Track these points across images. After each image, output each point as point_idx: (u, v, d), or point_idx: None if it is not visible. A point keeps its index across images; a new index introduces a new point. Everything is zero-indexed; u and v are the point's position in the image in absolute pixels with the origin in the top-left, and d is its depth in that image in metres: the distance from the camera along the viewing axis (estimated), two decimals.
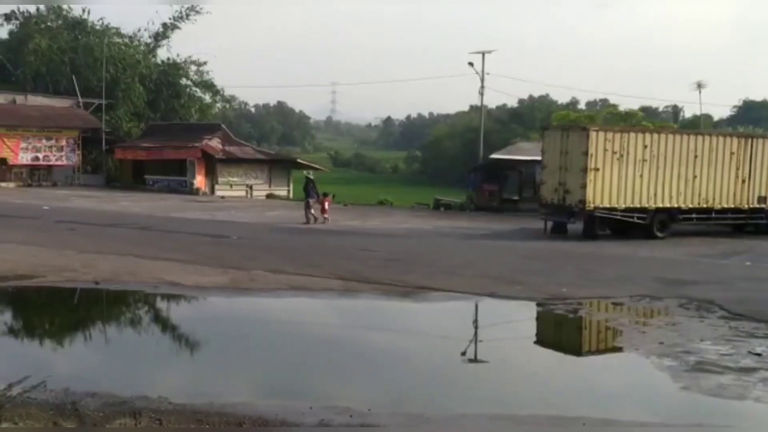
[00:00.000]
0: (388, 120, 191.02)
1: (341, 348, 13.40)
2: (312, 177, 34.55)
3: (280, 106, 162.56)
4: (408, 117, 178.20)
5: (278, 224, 30.12)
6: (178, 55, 60.12)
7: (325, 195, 33.67)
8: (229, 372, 11.62)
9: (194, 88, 60.52)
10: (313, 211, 31.58)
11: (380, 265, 20.36)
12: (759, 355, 12.45)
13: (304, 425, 8.66)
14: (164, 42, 60.57)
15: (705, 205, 29.33)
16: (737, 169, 29.82)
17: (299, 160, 55.68)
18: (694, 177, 28.94)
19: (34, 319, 16.04)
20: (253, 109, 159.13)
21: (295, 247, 22.08)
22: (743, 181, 29.96)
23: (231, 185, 47.01)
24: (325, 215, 31.64)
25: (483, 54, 50.07)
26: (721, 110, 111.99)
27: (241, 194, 46.33)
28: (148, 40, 60.68)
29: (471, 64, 49.67)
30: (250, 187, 47.72)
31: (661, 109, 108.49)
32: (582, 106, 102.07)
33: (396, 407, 9.72)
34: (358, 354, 13.05)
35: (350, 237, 26.39)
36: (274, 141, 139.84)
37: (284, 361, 12.34)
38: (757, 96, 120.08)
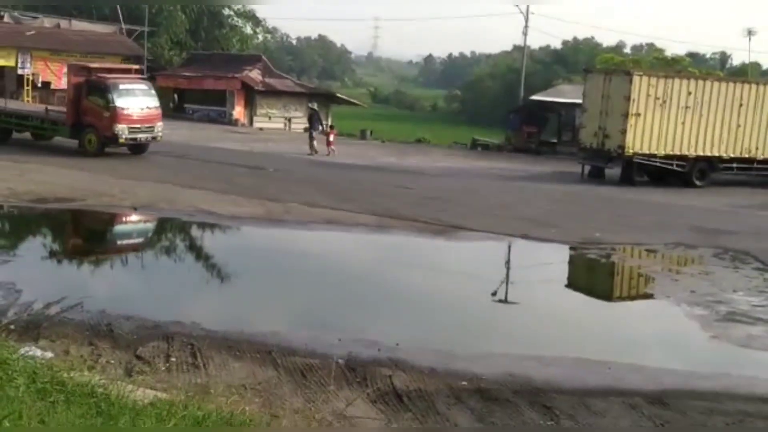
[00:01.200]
0: (429, 58, 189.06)
1: (372, 283, 13.53)
2: (316, 108, 34.73)
3: (322, 40, 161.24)
4: (449, 55, 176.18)
5: (314, 158, 30.16)
6: None
7: (332, 127, 33.93)
8: (260, 302, 11.82)
9: (236, 19, 60.21)
10: (316, 143, 31.77)
11: (415, 203, 20.38)
12: None
13: (332, 356, 8.80)
14: None
15: (747, 155, 28.82)
16: None
17: (339, 95, 55.44)
18: (738, 126, 28.38)
19: (73, 242, 16.37)
20: (294, 42, 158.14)
21: (331, 181, 22.15)
22: None
23: (270, 117, 46.98)
24: (332, 147, 31.76)
25: None
26: None
27: (279, 126, 46.32)
28: None
29: (516, 4, 48.89)
30: (289, 120, 47.66)
31: (708, 56, 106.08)
32: (627, 50, 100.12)
33: (424, 343, 9.83)
34: (388, 290, 13.17)
35: (387, 174, 26.38)
36: (315, 74, 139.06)
37: (315, 293, 12.49)
38: None
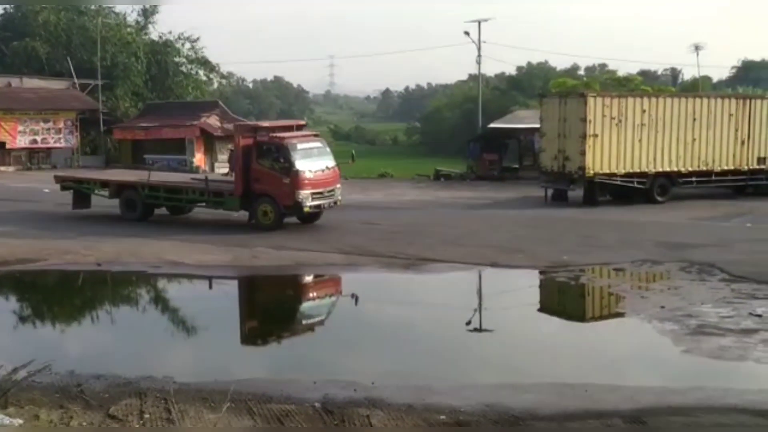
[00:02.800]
0: (387, 92, 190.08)
1: (345, 322, 13.48)
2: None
3: (278, 81, 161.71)
4: (406, 88, 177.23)
5: None
6: (170, 32, 59.68)
7: None
8: (233, 351, 11.71)
9: (189, 66, 60.15)
10: None
11: (383, 238, 20.39)
12: (759, 316, 12.51)
13: (308, 400, 8.72)
14: (155, 18, 60.10)
15: (705, 168, 29.23)
16: (736, 130, 29.67)
17: None
18: (693, 140, 28.82)
19: (38, 303, 16.12)
20: (251, 85, 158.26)
21: (296, 221, 22.06)
22: (742, 143, 29.83)
23: None
24: None
25: (479, 22, 49.81)
26: (720, 72, 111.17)
27: None
28: (138, 18, 60.30)
29: (467, 33, 49.39)
30: None
31: (660, 73, 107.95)
32: (581, 71, 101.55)
33: (400, 380, 9.79)
34: (362, 328, 13.13)
35: (352, 211, 26.32)
36: (273, 116, 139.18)
37: (288, 338, 12.44)
38: (757, 56, 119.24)
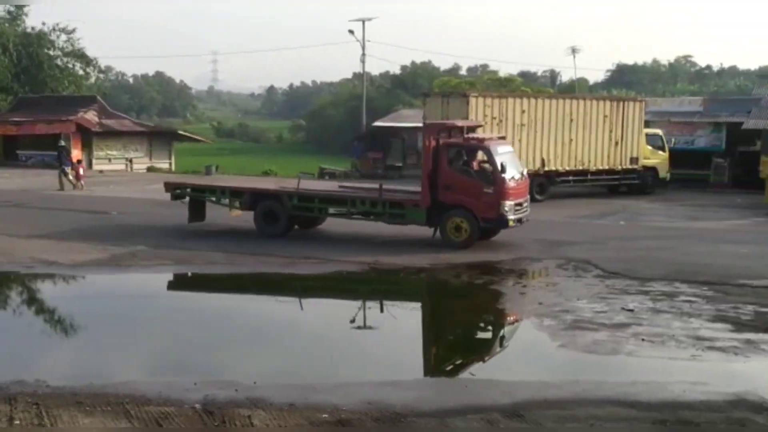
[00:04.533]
0: (271, 89, 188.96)
1: (226, 322, 13.26)
2: (64, 144, 34.40)
3: (160, 76, 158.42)
4: (291, 86, 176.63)
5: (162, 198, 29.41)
6: (43, 24, 57.39)
7: (79, 162, 34.35)
8: (110, 352, 11.36)
9: (64, 59, 58.05)
10: (71, 177, 32.03)
11: (266, 238, 20.17)
12: (631, 311, 13.00)
13: (188, 401, 8.56)
14: (27, 9, 57.62)
15: (581, 168, 30.25)
16: (610, 131, 30.81)
17: (180, 132, 54.49)
18: (570, 140, 29.76)
19: None
20: (131, 80, 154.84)
21: (181, 220, 21.59)
22: (616, 143, 30.99)
23: (110, 159, 45.66)
24: (81, 181, 32.22)
25: (363, 21, 50.11)
26: (596, 74, 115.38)
27: (120, 168, 45.06)
28: (10, 8, 57.70)
29: (351, 32, 49.70)
30: (130, 161, 46.48)
31: (539, 74, 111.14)
32: (464, 71, 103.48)
33: (282, 379, 9.73)
34: (244, 327, 12.94)
35: None
36: (155, 112, 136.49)
37: (168, 338, 12.16)
38: (630, 60, 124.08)
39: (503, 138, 20.93)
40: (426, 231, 19.11)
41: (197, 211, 21.13)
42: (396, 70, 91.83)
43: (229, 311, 13.99)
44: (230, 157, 62.06)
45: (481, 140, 19.13)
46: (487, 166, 18.89)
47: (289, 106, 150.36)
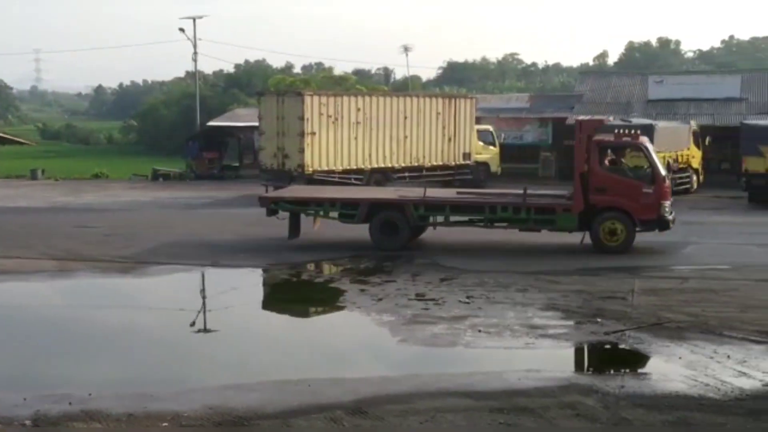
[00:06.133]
0: (100, 88, 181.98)
1: (59, 332, 12.70)
2: None
3: None
4: (120, 85, 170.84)
5: None
6: None
7: None
8: None
9: None
10: None
11: (98, 242, 19.55)
12: (468, 303, 13.39)
13: (18, 418, 8.16)
14: None
15: (416, 164, 30.87)
16: (443, 128, 31.60)
17: (1, 134, 51.77)
18: (405, 137, 30.32)
19: None
20: None
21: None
22: (449, 140, 31.81)
23: None
24: None
25: (194, 19, 49.16)
26: (428, 72, 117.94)
27: None
28: None
29: (182, 30, 48.54)
30: None
31: (373, 72, 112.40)
32: (297, 70, 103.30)
33: (119, 389, 9.41)
34: (77, 337, 12.46)
35: (64, 214, 25.04)
36: None
37: None
38: (460, 57, 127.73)
39: (642, 135, 19.40)
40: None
41: (296, 226, 19.18)
42: (230, 68, 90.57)
43: (64, 320, 13.42)
44: (57, 159, 59.37)
45: (636, 137, 18.38)
46: (641, 164, 18.67)
47: (120, 106, 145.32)
